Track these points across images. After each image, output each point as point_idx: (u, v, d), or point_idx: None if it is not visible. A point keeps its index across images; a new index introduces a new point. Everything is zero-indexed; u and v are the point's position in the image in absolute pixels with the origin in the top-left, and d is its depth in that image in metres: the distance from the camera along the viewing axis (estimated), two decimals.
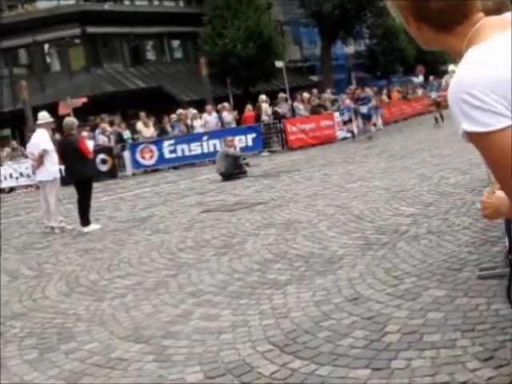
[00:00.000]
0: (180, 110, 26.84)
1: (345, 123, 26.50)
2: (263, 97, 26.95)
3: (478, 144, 1.70)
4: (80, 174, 12.25)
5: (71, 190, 12.71)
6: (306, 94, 28.84)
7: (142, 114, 26.08)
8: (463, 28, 1.80)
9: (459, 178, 11.54)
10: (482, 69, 1.66)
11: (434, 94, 26.63)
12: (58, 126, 15.35)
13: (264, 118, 25.86)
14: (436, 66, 49.37)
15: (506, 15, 1.84)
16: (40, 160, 12.66)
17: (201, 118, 25.98)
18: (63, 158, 12.60)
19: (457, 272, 6.10)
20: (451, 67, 16.64)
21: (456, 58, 1.82)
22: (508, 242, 4.34)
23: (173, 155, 24.40)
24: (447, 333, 4.68)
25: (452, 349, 4.39)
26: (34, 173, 16.44)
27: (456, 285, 5.75)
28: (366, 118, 26.68)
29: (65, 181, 12.68)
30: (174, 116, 26.50)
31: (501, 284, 5.26)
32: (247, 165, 18.60)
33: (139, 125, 25.71)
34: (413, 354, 4.43)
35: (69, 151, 12.34)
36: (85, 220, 12.15)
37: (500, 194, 1.98)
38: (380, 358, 4.45)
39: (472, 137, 1.69)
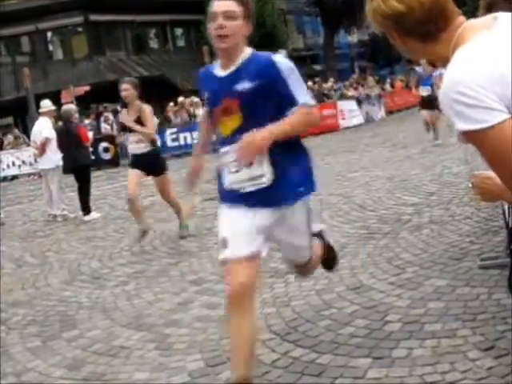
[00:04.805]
0: (181, 99, 26.76)
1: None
2: None
3: (475, 142, 1.70)
4: (76, 160, 12.23)
5: (73, 179, 12.69)
6: (310, 83, 28.76)
7: None
8: (448, 33, 1.81)
9: (461, 168, 11.50)
10: (470, 67, 1.66)
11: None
12: (60, 115, 15.38)
13: None
14: None
15: (486, 17, 1.85)
16: (42, 148, 12.65)
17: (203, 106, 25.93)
18: (61, 145, 12.56)
19: (458, 262, 6.10)
20: None
21: (443, 65, 1.82)
22: (507, 233, 4.34)
23: (175, 143, 24.37)
24: (448, 322, 4.69)
25: (453, 338, 4.39)
26: (36, 161, 16.45)
27: (457, 274, 5.74)
28: None
29: (64, 168, 12.69)
30: (174, 104, 26.44)
31: (502, 274, 5.25)
32: None
33: None
34: (414, 343, 4.44)
35: (66, 138, 12.33)
36: (86, 208, 12.16)
37: (496, 179, 1.98)
38: (381, 347, 4.46)
39: (469, 135, 1.69)
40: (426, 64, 16.23)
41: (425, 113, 16.11)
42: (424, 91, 16.12)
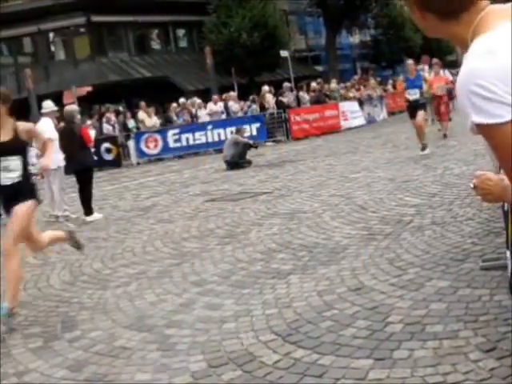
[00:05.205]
0: (182, 100, 26.76)
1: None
2: (266, 87, 26.91)
3: (487, 136, 1.68)
4: (80, 162, 12.24)
5: (74, 179, 12.70)
6: (314, 84, 28.68)
7: (143, 104, 26.01)
8: (469, 15, 1.76)
9: (464, 169, 11.52)
10: (491, 59, 1.63)
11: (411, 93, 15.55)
12: (62, 115, 15.41)
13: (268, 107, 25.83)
14: (442, 56, 49.15)
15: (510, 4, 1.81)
16: (44, 148, 12.63)
17: (205, 107, 25.96)
18: (63, 147, 12.57)
19: (460, 263, 6.10)
20: None
21: (460, 47, 1.80)
22: (506, 235, 4.33)
23: (177, 144, 24.39)
24: (450, 323, 4.69)
25: (454, 339, 4.40)
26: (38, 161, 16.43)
27: (459, 275, 5.75)
28: None
29: (67, 170, 12.69)
30: (177, 105, 26.47)
31: (504, 275, 5.26)
32: (256, 147, 19.21)
33: (141, 114, 25.63)
34: (415, 344, 4.44)
35: (69, 139, 12.34)
36: (88, 209, 12.16)
37: (500, 181, 1.96)
38: (382, 348, 4.46)
39: (482, 129, 1.67)
40: (413, 65, 15.82)
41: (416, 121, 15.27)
42: (411, 95, 15.24)
